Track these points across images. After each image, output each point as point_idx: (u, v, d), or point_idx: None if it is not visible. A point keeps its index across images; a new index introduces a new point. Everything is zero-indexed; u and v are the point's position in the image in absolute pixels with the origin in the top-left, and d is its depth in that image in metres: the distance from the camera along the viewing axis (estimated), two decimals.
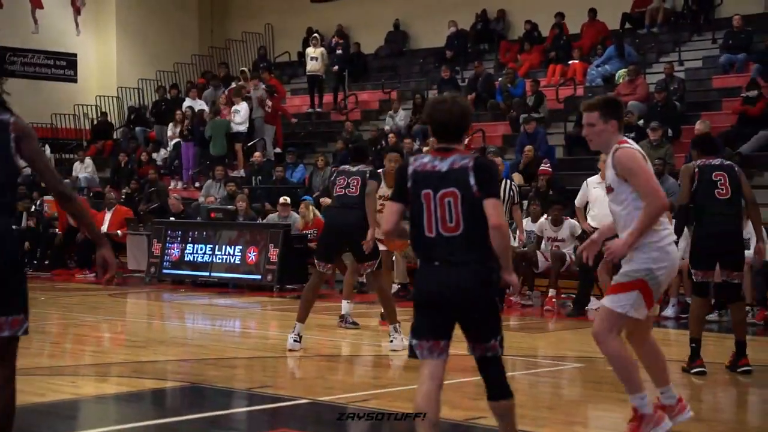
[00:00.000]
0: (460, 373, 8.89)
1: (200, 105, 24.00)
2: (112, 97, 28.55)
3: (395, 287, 14.33)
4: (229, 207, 18.22)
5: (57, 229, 20.26)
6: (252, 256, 16.62)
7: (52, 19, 28.82)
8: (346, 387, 8.13)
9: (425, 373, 4.94)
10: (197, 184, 22.27)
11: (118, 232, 19.06)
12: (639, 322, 5.92)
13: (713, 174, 8.56)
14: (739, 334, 8.71)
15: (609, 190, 5.98)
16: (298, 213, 17.16)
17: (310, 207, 17.20)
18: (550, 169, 16.34)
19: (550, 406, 7.46)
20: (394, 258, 13.63)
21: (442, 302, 4.91)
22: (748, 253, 10.03)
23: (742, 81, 18.87)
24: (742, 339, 8.67)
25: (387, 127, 21.81)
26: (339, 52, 25.43)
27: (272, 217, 17.62)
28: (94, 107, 28.27)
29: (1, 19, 27.59)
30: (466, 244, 4.89)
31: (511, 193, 13.31)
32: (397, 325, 9.90)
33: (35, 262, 20.38)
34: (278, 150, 22.80)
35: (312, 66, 24.43)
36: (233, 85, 24.27)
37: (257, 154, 21.52)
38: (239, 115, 22.23)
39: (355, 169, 9.99)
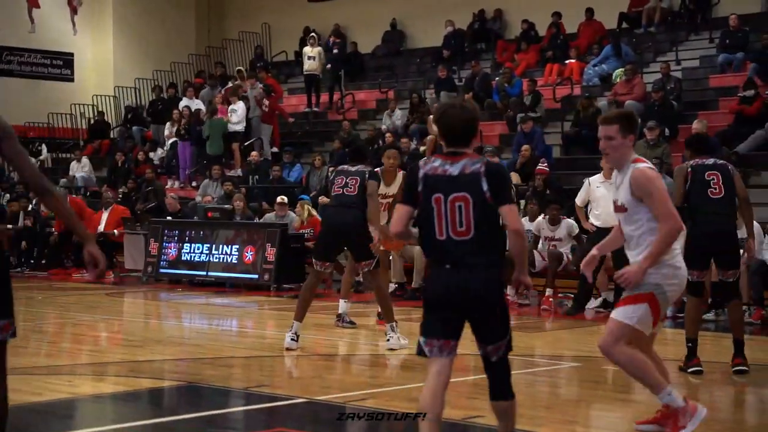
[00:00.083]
0: (457, 372, 8.91)
1: (197, 104, 23.99)
2: (109, 96, 28.52)
3: (392, 286, 14.33)
4: (226, 206, 18.22)
5: (53, 229, 20.23)
6: (249, 255, 16.62)
7: (48, 19, 28.83)
8: (344, 386, 8.13)
9: (433, 370, 5.03)
10: (194, 184, 22.26)
11: (115, 231, 19.04)
12: (642, 335, 5.95)
13: (706, 173, 8.57)
14: (736, 333, 8.71)
15: (622, 209, 5.96)
16: (294, 212, 17.17)
17: (306, 206, 17.19)
18: (547, 169, 16.35)
19: (548, 406, 7.47)
20: (391, 257, 13.64)
21: (453, 303, 4.99)
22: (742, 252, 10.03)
23: (739, 80, 18.88)
24: (740, 338, 8.68)
25: (384, 127, 21.81)
26: (335, 51, 25.42)
27: (269, 217, 17.62)
28: (91, 106, 28.24)
29: None
30: (476, 248, 4.97)
31: None
32: (394, 324, 9.91)
33: (32, 261, 20.36)
34: (275, 149, 22.80)
35: (309, 65, 24.43)
36: (230, 84, 24.27)
37: (254, 153, 21.51)
38: (236, 115, 22.23)
39: (354, 169, 9.99)
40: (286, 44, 29.08)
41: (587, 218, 13.10)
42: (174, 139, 23.55)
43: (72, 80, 29.39)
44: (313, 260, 10.04)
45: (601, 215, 12.55)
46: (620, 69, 20.48)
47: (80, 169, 24.45)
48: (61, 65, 29.25)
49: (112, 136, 27.33)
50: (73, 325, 12.55)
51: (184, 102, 24.21)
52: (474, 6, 25.50)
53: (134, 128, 26.26)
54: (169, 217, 18.77)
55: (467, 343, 5.33)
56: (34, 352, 10.00)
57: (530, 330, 12.12)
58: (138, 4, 29.65)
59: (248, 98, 22.77)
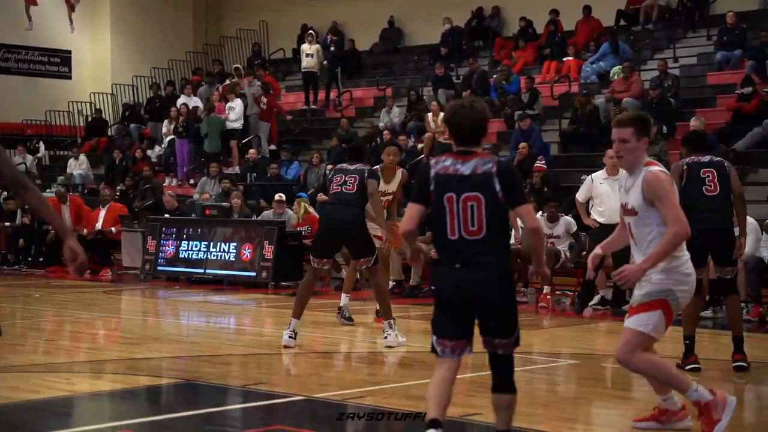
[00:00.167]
0: None
1: (195, 102, 23.98)
2: (107, 94, 28.51)
3: (390, 284, 14.32)
4: (223, 204, 18.21)
5: (50, 227, 20.22)
6: (247, 253, 16.61)
7: (46, 16, 28.81)
8: (342, 384, 8.13)
9: (444, 366, 5.15)
10: (192, 181, 22.26)
11: (113, 228, 19.05)
12: (655, 340, 5.95)
13: (701, 171, 8.57)
14: (735, 329, 8.71)
15: (632, 212, 5.93)
16: (292, 210, 17.17)
17: (303, 204, 17.20)
18: (544, 166, 16.35)
19: (545, 403, 7.46)
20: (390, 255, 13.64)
21: (464, 303, 5.07)
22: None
23: (737, 78, 18.89)
24: (739, 334, 8.68)
25: (381, 124, 21.81)
26: (332, 49, 25.40)
27: (267, 214, 17.62)
28: (88, 104, 28.23)
29: None
30: (488, 248, 5.04)
31: None
32: (392, 321, 9.91)
33: (30, 259, 20.35)
34: (273, 147, 22.80)
35: (307, 63, 24.42)
36: (228, 82, 24.26)
37: (252, 151, 21.51)
38: (234, 112, 22.23)
39: (352, 167, 10.00)
40: (283, 42, 29.06)
41: (588, 214, 13.07)
42: (171, 136, 23.54)
43: (69, 78, 29.38)
44: (311, 257, 10.04)
45: (605, 212, 12.55)
46: (618, 66, 20.48)
47: (78, 166, 24.45)
48: (58, 63, 29.24)
49: (109, 133, 27.32)
50: (71, 322, 12.54)
51: (181, 99, 24.20)
52: (472, 3, 25.49)
53: (132, 126, 26.25)
54: (166, 215, 18.76)
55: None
56: (31, 350, 10.00)
57: (528, 327, 12.11)
58: (136, 2, 29.64)
59: (246, 96, 22.76)
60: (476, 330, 5.23)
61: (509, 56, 23.56)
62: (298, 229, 16.81)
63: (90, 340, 11.13)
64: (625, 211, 6.01)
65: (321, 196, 17.86)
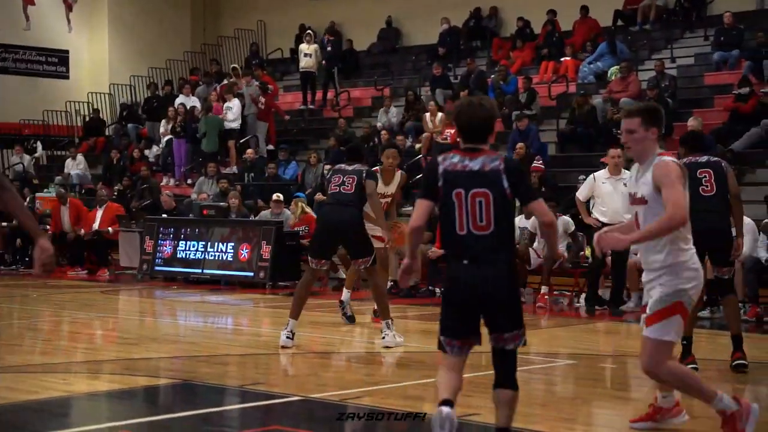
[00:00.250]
0: None
1: (193, 102, 23.97)
2: (104, 93, 28.50)
3: (388, 284, 14.32)
4: (221, 204, 18.20)
5: (48, 227, 20.19)
6: (244, 253, 16.61)
7: (44, 16, 28.80)
8: (339, 384, 8.13)
9: (452, 360, 5.23)
10: (189, 181, 22.26)
11: (110, 229, 19.04)
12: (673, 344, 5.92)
13: (698, 171, 8.56)
14: (733, 328, 8.71)
15: (642, 201, 5.89)
16: (289, 210, 17.17)
17: (300, 203, 17.20)
18: (542, 166, 16.35)
19: (543, 403, 7.46)
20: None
21: (472, 299, 5.15)
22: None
23: (734, 78, 18.90)
24: (738, 333, 8.68)
25: (379, 124, 21.82)
26: (329, 49, 25.39)
27: (265, 214, 17.61)
28: (86, 104, 28.22)
29: None
30: (495, 243, 5.13)
31: None
32: (390, 321, 9.91)
33: (27, 259, 20.33)
34: (271, 147, 22.79)
35: (306, 62, 24.42)
36: (225, 81, 24.25)
37: (250, 151, 21.51)
38: (231, 112, 22.22)
39: (351, 167, 10.00)
40: (281, 42, 29.06)
41: (589, 214, 13.04)
42: (169, 136, 23.53)
43: (67, 77, 29.37)
44: (309, 258, 10.03)
45: (607, 212, 12.55)
46: (615, 66, 20.49)
47: (75, 166, 24.43)
48: (56, 62, 29.22)
49: (107, 133, 27.31)
50: (68, 322, 12.53)
51: (180, 99, 24.19)
52: (470, 4, 25.50)
53: (129, 126, 26.24)
54: (164, 215, 18.76)
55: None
56: (29, 350, 9.99)
57: (526, 327, 12.11)
58: (133, 2, 29.63)
59: (244, 95, 22.75)
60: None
61: (507, 56, 23.57)
62: (296, 229, 16.81)
63: (87, 340, 11.12)
64: (634, 200, 5.94)
65: (319, 196, 17.87)
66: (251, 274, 16.48)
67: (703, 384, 5.92)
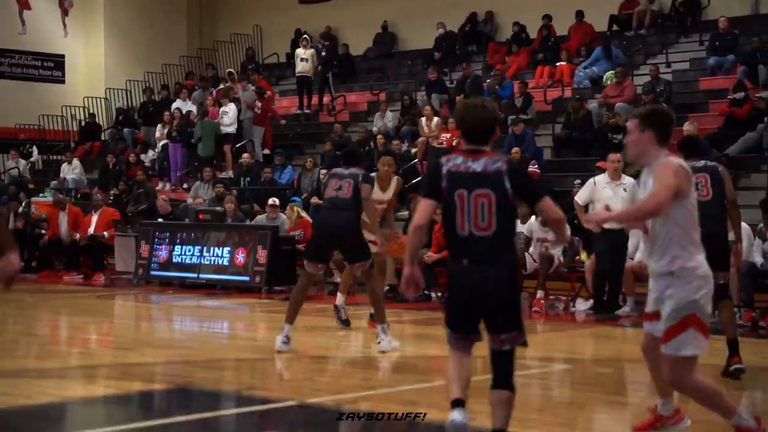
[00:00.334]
0: (447, 373, 8.91)
1: (190, 106, 23.97)
2: (100, 98, 28.48)
3: (385, 288, 14.32)
4: (217, 208, 18.20)
5: (43, 231, 20.19)
6: (240, 257, 16.60)
7: (39, 21, 28.77)
8: (335, 388, 8.13)
9: (458, 350, 5.36)
10: (185, 186, 22.24)
11: (105, 233, 19.03)
12: (656, 339, 5.80)
13: (695, 176, 8.55)
14: (729, 333, 8.70)
15: None
16: (284, 214, 17.17)
17: (295, 208, 17.19)
18: (538, 171, 16.37)
19: (539, 408, 7.46)
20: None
21: (472, 299, 5.23)
22: None
23: (729, 83, 18.94)
24: (734, 338, 8.67)
25: (375, 129, 21.82)
26: (323, 54, 25.40)
27: (260, 219, 17.61)
28: (82, 108, 28.20)
29: None
30: (496, 244, 5.19)
31: None
32: (386, 325, 9.91)
33: (23, 263, 20.28)
34: (267, 151, 22.79)
35: (302, 67, 24.42)
36: (221, 86, 24.25)
37: (246, 155, 21.51)
38: (227, 117, 22.22)
39: (347, 172, 10.00)
40: (277, 46, 29.06)
41: None
42: (165, 141, 23.52)
43: (63, 82, 29.34)
44: (305, 262, 10.03)
45: None
46: (611, 71, 20.53)
47: (71, 171, 24.41)
48: (52, 67, 29.20)
49: (103, 138, 27.30)
50: (64, 327, 12.52)
51: (176, 104, 24.19)
52: (465, 8, 25.53)
53: (125, 130, 26.23)
54: (160, 219, 18.75)
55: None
56: (24, 355, 9.99)
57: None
58: (129, 7, 29.61)
59: (240, 100, 22.75)
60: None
61: (502, 61, 23.59)
62: (292, 233, 16.81)
63: (83, 345, 11.12)
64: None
65: (314, 200, 17.87)
66: (247, 278, 16.47)
67: (725, 399, 5.83)
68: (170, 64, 29.10)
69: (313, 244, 10.24)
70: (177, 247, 17.45)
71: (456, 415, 5.14)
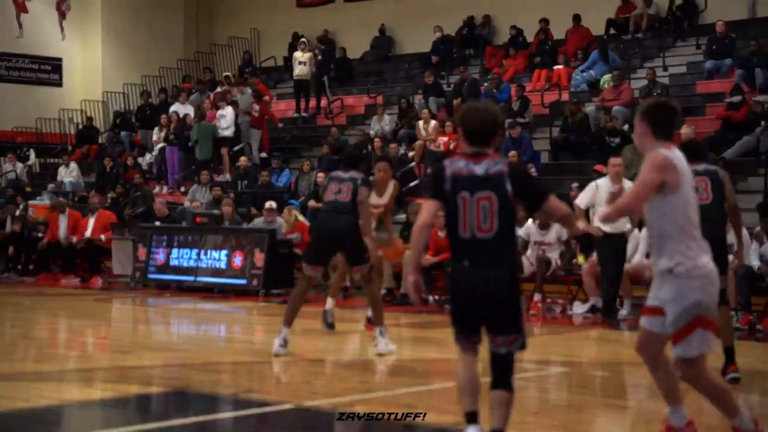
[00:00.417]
0: (444, 377, 8.92)
1: (188, 109, 23.97)
2: (98, 101, 28.49)
3: (382, 291, 14.32)
4: (214, 211, 18.20)
5: (40, 234, 20.18)
6: (237, 260, 16.60)
7: (37, 24, 28.77)
8: (332, 391, 8.13)
9: (467, 355, 5.40)
10: (183, 189, 22.24)
11: (102, 236, 19.01)
12: (656, 337, 5.72)
13: (695, 179, 8.55)
14: (725, 339, 8.69)
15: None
16: (282, 217, 17.17)
17: (293, 211, 17.19)
18: (535, 174, 16.38)
19: (536, 411, 7.47)
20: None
21: (473, 299, 5.28)
22: (731, 258, 10.04)
23: (726, 86, 18.95)
24: (730, 344, 8.66)
25: (372, 132, 21.83)
26: (319, 57, 25.42)
27: (258, 222, 17.61)
28: (79, 112, 28.20)
29: None
30: (497, 245, 5.25)
31: None
32: (383, 328, 9.91)
33: (20, 266, 20.30)
34: (264, 155, 22.80)
35: (300, 70, 24.44)
36: (219, 89, 24.25)
37: (243, 158, 21.51)
38: (225, 120, 22.23)
39: (347, 175, 10.00)
40: (274, 50, 29.07)
41: (589, 222, 12.95)
42: (162, 144, 23.52)
43: (60, 85, 29.33)
44: (304, 265, 10.03)
45: None
46: (608, 75, 20.55)
47: (68, 174, 24.40)
48: (49, 70, 29.19)
49: (100, 141, 27.29)
50: (61, 330, 12.51)
51: (174, 107, 24.19)
52: (463, 12, 25.53)
53: (123, 133, 26.22)
54: (157, 223, 18.74)
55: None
56: (21, 358, 9.98)
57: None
58: (126, 10, 29.61)
59: (237, 103, 22.76)
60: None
61: (500, 64, 23.61)
62: (289, 236, 16.80)
63: (80, 348, 11.11)
64: None
65: (312, 203, 17.88)
66: (244, 281, 16.47)
67: (733, 399, 5.80)
68: (167, 67, 29.10)
69: (312, 247, 10.25)
70: (174, 251, 17.44)
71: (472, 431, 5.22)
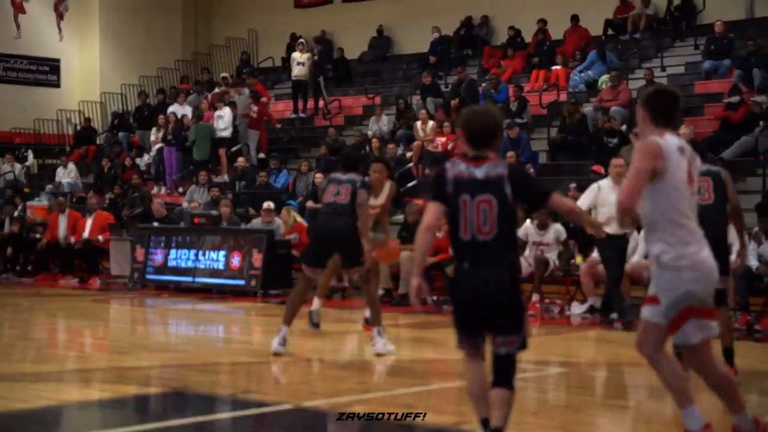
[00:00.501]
0: (442, 377, 8.93)
1: (185, 110, 23.96)
2: (96, 102, 28.48)
3: (379, 292, 14.32)
4: (212, 212, 18.18)
5: (38, 234, 20.17)
6: (236, 261, 16.59)
7: (34, 25, 28.77)
8: (331, 391, 8.13)
9: (473, 360, 5.45)
10: (181, 189, 22.24)
11: (100, 237, 19.00)
12: (655, 328, 5.66)
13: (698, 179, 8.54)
14: (725, 341, 8.69)
15: None
16: (280, 218, 17.17)
17: (291, 212, 17.19)
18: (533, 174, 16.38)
19: (535, 412, 7.46)
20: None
21: (473, 300, 5.32)
22: (732, 258, 10.04)
23: (725, 87, 18.96)
24: (729, 346, 8.66)
25: (370, 132, 21.84)
26: (316, 58, 25.41)
27: (256, 223, 17.61)
28: (77, 112, 28.20)
29: None
30: (497, 248, 5.29)
31: None
32: (381, 328, 9.91)
33: (18, 267, 20.29)
34: (262, 155, 22.79)
35: (299, 71, 24.44)
36: (217, 90, 24.24)
37: (241, 159, 21.50)
38: (222, 121, 22.21)
39: (345, 177, 10.00)
40: (272, 50, 29.07)
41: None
42: (160, 144, 23.51)
43: (58, 86, 29.33)
44: (304, 266, 10.03)
45: (611, 220, 12.43)
46: (606, 75, 20.55)
47: (66, 174, 24.39)
48: (47, 71, 29.19)
49: (98, 142, 27.29)
50: (60, 331, 12.51)
51: (173, 108, 24.18)
52: (461, 12, 25.54)
53: (120, 134, 26.20)
54: (155, 223, 18.73)
55: (456, 349, 5.46)
56: (20, 359, 9.98)
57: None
58: (124, 11, 29.61)
59: (236, 104, 22.75)
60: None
61: (498, 65, 23.61)
62: (287, 237, 16.80)
63: (78, 348, 11.11)
64: None
65: (310, 204, 17.87)
66: (242, 282, 16.46)
67: (739, 394, 5.77)
68: (165, 68, 29.10)
69: (311, 249, 10.24)
70: (172, 251, 17.43)
71: None
